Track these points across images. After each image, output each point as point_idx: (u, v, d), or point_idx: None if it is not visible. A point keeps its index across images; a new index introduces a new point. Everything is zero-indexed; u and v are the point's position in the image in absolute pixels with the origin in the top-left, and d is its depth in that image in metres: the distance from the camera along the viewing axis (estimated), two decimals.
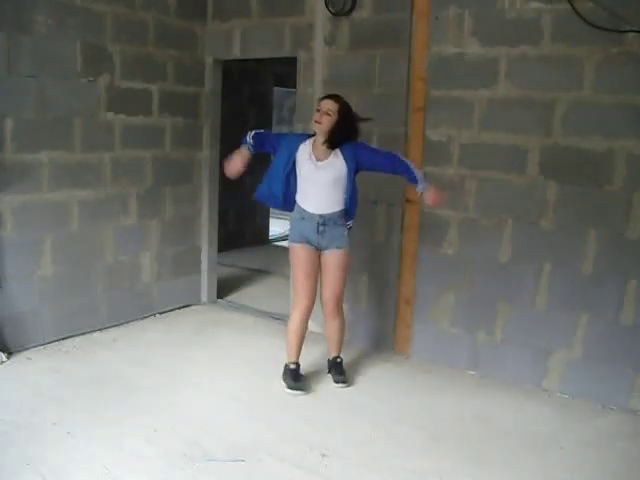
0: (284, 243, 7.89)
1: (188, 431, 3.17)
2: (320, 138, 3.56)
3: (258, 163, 3.58)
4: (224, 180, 5.31)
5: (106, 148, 4.43)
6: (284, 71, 7.73)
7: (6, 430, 3.10)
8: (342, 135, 3.54)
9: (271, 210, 8.40)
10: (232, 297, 5.57)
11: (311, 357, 4.08)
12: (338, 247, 3.65)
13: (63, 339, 4.29)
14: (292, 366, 3.73)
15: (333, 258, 3.66)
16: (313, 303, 3.70)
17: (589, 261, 3.66)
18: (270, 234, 8.58)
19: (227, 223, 7.34)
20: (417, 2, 4.06)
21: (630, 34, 3.41)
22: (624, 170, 3.52)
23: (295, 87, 4.71)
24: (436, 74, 4.05)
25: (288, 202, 3.69)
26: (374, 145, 4.04)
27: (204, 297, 5.37)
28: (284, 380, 3.71)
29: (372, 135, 4.16)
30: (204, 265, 5.33)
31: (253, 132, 3.64)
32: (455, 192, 4.01)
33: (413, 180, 3.54)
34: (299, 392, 3.65)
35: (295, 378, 3.70)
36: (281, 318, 4.83)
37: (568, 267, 3.72)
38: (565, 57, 3.62)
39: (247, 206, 7.85)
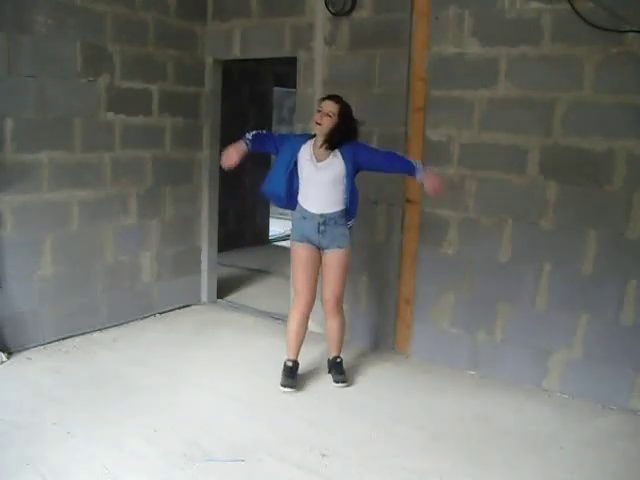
0: (284, 243, 7.91)
1: (188, 431, 3.17)
2: (320, 139, 3.57)
3: (258, 165, 3.59)
4: (224, 180, 5.37)
5: (106, 148, 4.43)
6: (284, 71, 7.72)
7: (6, 430, 3.10)
8: (341, 136, 3.54)
9: (271, 210, 8.41)
10: (232, 297, 5.57)
11: (311, 357, 4.08)
12: (339, 247, 3.65)
13: (63, 339, 4.29)
14: (288, 363, 3.74)
15: (334, 257, 3.66)
16: (313, 302, 3.71)
17: (589, 261, 3.66)
18: (270, 234, 8.57)
19: (227, 223, 7.34)
20: (417, 2, 4.06)
21: (630, 34, 3.41)
22: (624, 170, 3.52)
23: (295, 87, 4.71)
24: (436, 74, 4.05)
25: (291, 201, 3.70)
26: (374, 145, 4.04)
27: (204, 297, 5.37)
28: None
29: (372, 135, 4.17)
30: (204, 265, 5.33)
31: (254, 132, 3.64)
32: (455, 192, 4.01)
33: (412, 171, 3.51)
34: (288, 389, 3.66)
35: (287, 375, 3.71)
36: (281, 318, 4.82)
37: (568, 267, 3.73)
38: (565, 57, 3.62)
39: (247, 206, 7.88)
